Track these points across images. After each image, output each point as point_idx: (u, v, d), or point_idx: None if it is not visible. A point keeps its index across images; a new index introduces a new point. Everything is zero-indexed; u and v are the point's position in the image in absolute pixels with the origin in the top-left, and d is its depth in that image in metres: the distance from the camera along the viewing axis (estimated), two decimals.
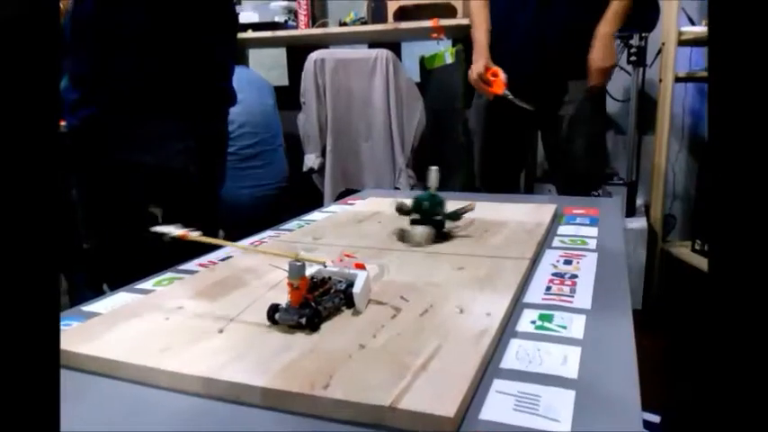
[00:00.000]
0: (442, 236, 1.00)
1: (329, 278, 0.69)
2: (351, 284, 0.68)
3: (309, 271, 0.65)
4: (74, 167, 1.30)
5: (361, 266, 0.71)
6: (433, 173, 1.01)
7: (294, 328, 0.62)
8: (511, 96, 1.77)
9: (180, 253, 0.96)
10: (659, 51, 2.53)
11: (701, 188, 2.59)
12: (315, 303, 0.64)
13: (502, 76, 1.79)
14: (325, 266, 0.70)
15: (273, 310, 0.63)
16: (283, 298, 0.64)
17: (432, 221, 0.99)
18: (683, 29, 2.44)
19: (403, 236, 1.00)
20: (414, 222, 1.00)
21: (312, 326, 0.62)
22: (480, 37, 1.89)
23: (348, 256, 0.74)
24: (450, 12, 2.53)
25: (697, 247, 2.49)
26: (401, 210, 1.03)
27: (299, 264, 0.63)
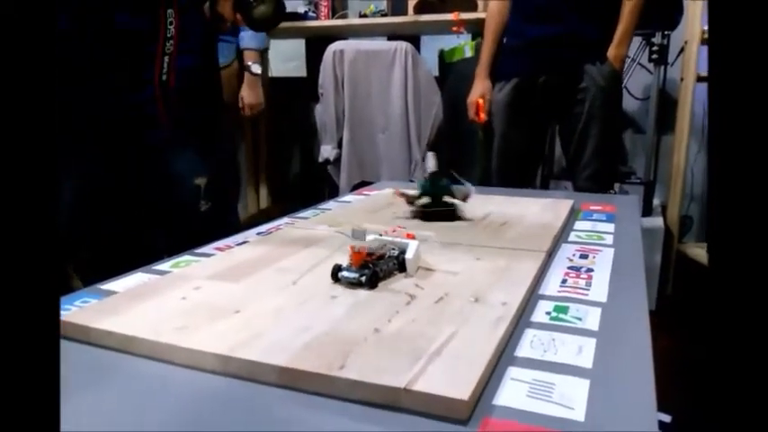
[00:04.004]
0: (456, 217, 1.05)
1: (384, 245, 0.76)
2: (402, 252, 0.76)
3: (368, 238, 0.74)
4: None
5: (411, 236, 0.80)
6: (430, 158, 1.08)
7: (354, 285, 0.70)
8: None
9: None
10: (681, 50, 2.49)
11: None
12: (372, 265, 0.71)
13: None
14: (381, 235, 0.78)
15: (337, 269, 0.71)
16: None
17: (442, 203, 1.04)
18: (708, 27, 2.41)
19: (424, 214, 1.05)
20: (426, 207, 1.05)
21: (371, 284, 0.70)
22: (485, 55, 2.06)
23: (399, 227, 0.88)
24: (470, 5, 2.51)
25: None
26: (410, 200, 1.08)
27: (361, 230, 0.72)
